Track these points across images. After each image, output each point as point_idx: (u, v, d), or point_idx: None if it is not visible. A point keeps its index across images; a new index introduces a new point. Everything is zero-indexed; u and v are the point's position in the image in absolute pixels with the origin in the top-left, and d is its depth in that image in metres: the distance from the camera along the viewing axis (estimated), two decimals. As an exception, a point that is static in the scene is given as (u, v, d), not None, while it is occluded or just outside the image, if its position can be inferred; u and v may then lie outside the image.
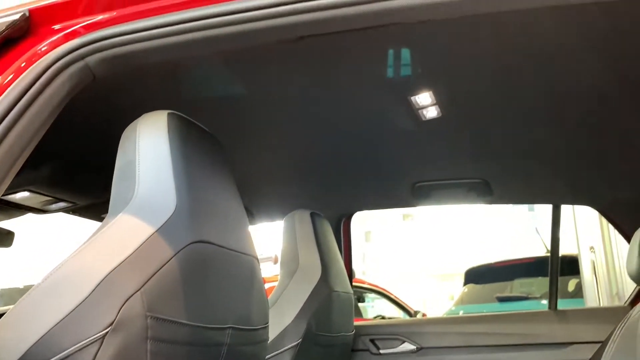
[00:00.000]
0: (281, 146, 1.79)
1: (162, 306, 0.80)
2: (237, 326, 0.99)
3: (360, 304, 5.86)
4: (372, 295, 6.32)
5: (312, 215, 1.93)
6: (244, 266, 1.04)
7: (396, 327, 2.38)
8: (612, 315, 2.04)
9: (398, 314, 6.13)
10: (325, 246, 1.91)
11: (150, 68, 1.12)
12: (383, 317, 5.76)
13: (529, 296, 5.30)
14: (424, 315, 6.21)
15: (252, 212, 2.22)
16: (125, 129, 0.94)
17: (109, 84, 1.08)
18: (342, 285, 1.95)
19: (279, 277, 1.90)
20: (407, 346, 2.22)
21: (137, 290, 0.77)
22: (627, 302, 2.19)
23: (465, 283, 6.11)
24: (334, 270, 1.91)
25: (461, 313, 5.44)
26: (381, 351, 2.24)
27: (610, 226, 4.62)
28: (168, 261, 0.82)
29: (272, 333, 1.63)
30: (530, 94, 1.44)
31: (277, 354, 1.61)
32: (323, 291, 1.81)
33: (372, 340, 2.26)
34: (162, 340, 0.79)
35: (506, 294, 5.53)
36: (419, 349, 2.20)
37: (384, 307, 6.47)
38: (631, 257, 1.76)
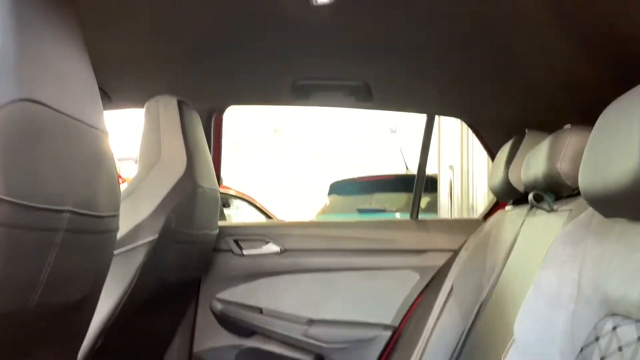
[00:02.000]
0: (145, 21, 1.54)
1: None
2: (77, 210, 0.83)
3: (225, 210, 5.82)
4: (238, 202, 6.29)
5: (180, 102, 1.74)
6: (89, 140, 0.86)
7: (261, 228, 2.33)
8: (466, 227, 2.15)
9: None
10: (192, 137, 1.75)
11: None
12: (247, 224, 5.77)
13: (386, 209, 5.62)
14: (288, 223, 6.34)
15: (110, 96, 1.96)
16: None
17: None
18: (208, 180, 1.82)
19: (137, 169, 1.71)
20: (271, 247, 2.18)
21: None
22: (481, 216, 2.31)
23: (330, 194, 6.31)
24: (201, 164, 1.77)
25: (323, 222, 5.63)
26: (244, 252, 2.18)
27: (469, 146, 4.93)
28: None
29: (125, 227, 1.47)
30: None
31: (129, 250, 1.46)
32: (187, 185, 1.66)
33: (235, 241, 2.19)
34: (-31, 217, 0.62)
35: (366, 206, 5.82)
36: (282, 251, 2.18)
37: (249, 215, 6.49)
38: (495, 172, 1.83)
